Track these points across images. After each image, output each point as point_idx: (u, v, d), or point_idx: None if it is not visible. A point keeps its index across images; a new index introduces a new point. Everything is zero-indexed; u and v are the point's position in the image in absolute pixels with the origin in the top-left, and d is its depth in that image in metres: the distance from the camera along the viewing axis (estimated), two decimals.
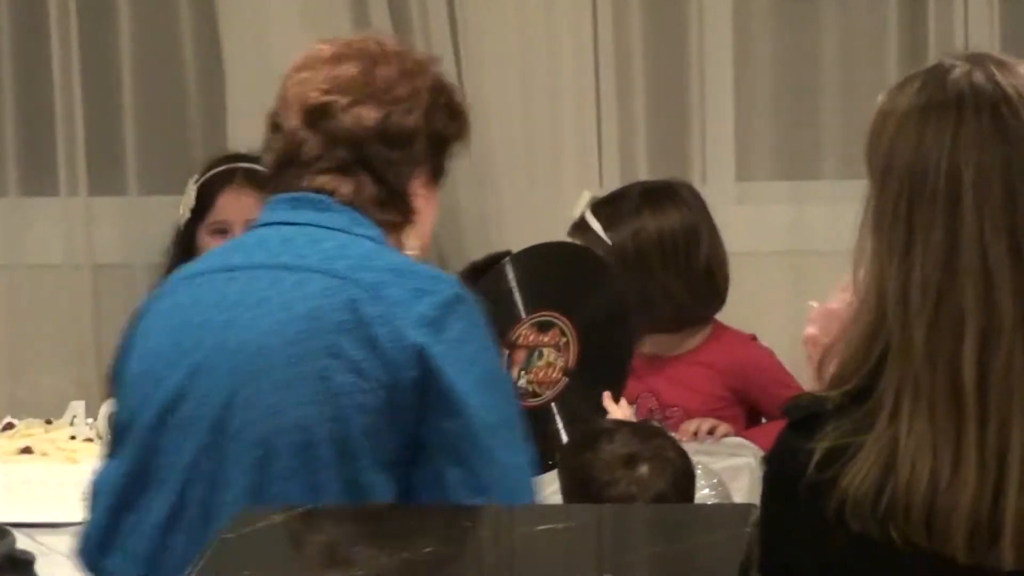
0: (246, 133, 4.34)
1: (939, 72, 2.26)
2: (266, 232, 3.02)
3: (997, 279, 2.21)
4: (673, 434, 3.64)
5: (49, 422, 3.70)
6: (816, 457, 2.19)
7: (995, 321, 2.20)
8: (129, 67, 4.76)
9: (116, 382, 3.02)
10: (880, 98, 2.26)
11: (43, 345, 4.73)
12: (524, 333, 3.56)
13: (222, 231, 4.15)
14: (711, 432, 3.97)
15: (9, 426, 3.69)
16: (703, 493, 3.29)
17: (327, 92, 2.81)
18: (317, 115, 2.87)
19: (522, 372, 3.49)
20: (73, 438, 3.42)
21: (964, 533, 2.16)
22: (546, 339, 3.60)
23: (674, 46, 4.56)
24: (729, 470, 3.56)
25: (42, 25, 4.77)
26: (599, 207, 4.09)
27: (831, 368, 2.27)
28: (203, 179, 4.27)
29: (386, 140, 2.84)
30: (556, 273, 3.68)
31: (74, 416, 3.48)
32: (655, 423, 3.80)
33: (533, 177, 4.45)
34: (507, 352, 3.46)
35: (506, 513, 2.67)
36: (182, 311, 2.98)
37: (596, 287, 3.57)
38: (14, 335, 4.77)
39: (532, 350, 3.59)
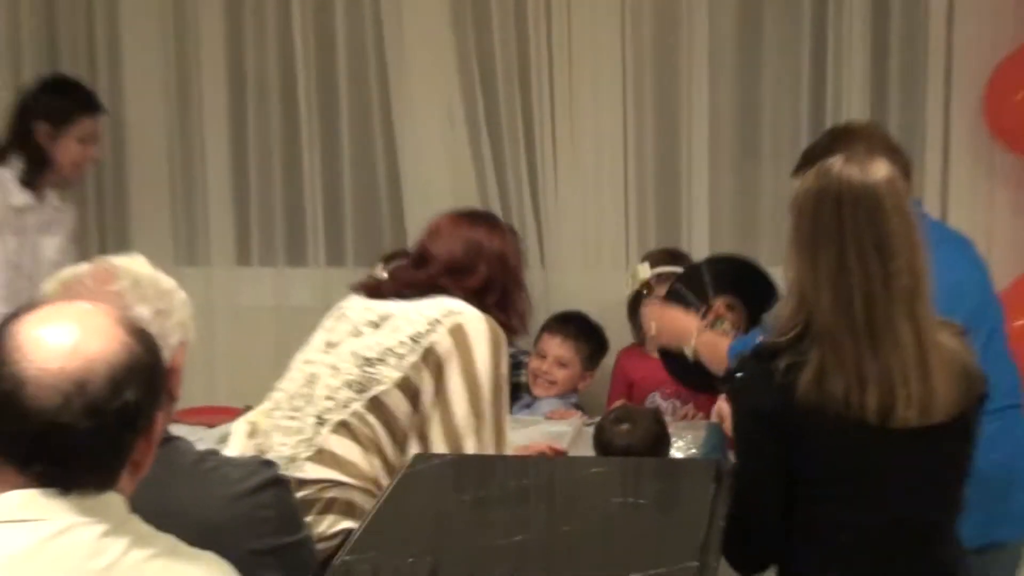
0: (425, 210, 3.98)
1: (826, 166, 2.43)
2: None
3: (872, 268, 2.35)
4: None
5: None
6: (782, 368, 2.38)
7: (875, 292, 2.36)
8: (314, 164, 4.29)
9: None
10: (797, 182, 2.51)
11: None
12: (718, 304, 3.36)
13: None
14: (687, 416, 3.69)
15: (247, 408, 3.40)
16: (676, 447, 3.18)
17: None
18: None
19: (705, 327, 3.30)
20: None
21: (874, 409, 2.35)
22: (731, 316, 3.42)
23: (670, 167, 4.18)
24: (696, 438, 3.32)
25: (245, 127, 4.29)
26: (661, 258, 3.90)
27: (782, 332, 2.42)
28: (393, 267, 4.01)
29: None
30: (742, 278, 3.47)
31: None
32: (655, 407, 3.59)
33: (585, 254, 4.09)
34: (704, 309, 3.33)
35: (568, 461, 2.85)
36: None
37: (765, 300, 3.21)
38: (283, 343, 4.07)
39: (718, 318, 3.40)
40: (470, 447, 2.66)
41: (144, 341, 1.77)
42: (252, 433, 2.82)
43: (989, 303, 3.24)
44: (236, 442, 2.97)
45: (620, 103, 4.11)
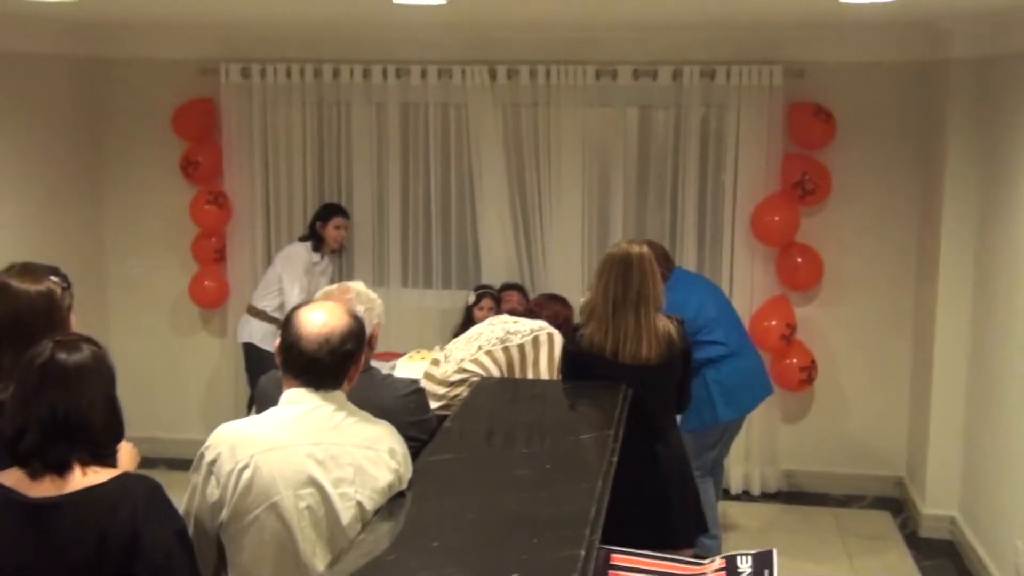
0: (492, 263, 3.89)
1: (621, 245, 2.38)
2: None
3: (620, 290, 2.31)
4: None
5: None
6: (579, 333, 2.37)
7: (618, 300, 2.31)
8: (436, 236, 3.96)
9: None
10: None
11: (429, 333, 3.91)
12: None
13: (481, 310, 3.66)
14: None
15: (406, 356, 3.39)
16: None
17: None
18: None
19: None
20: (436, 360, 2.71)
21: (611, 352, 2.32)
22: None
23: (603, 248, 3.60)
24: None
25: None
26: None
27: (583, 317, 2.43)
28: (477, 294, 3.76)
29: None
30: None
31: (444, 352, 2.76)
32: None
33: (560, 286, 3.71)
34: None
35: (553, 382, 2.52)
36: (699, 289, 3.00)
37: None
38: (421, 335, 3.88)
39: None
40: None
41: (358, 321, 1.75)
42: (442, 348, 2.74)
43: (726, 313, 3.02)
44: (416, 363, 3.07)
45: (580, 216, 3.87)
